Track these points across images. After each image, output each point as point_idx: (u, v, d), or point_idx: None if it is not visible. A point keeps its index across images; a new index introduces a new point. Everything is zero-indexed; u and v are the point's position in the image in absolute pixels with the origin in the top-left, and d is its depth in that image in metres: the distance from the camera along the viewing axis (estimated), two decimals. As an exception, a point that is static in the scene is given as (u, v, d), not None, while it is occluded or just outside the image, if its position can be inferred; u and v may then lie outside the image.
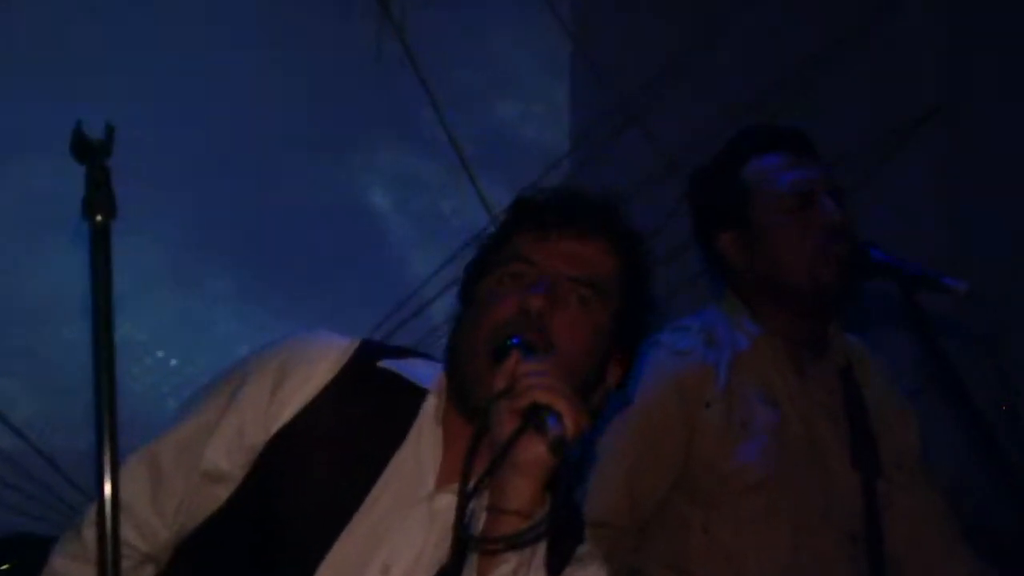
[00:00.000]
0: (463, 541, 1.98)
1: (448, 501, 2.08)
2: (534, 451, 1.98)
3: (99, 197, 1.71)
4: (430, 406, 2.19)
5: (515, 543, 1.97)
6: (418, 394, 2.20)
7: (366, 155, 4.36)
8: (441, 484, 2.14)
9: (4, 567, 3.36)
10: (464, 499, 1.96)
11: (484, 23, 4.45)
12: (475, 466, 1.98)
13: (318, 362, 2.21)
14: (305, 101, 4.23)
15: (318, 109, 4.25)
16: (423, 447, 2.16)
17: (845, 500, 2.94)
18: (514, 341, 2.07)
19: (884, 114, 4.67)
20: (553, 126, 4.47)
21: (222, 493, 2.19)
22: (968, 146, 4.74)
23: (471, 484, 1.97)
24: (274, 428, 2.17)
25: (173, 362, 4.12)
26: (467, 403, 2.12)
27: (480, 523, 2.04)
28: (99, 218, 1.71)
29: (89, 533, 2.14)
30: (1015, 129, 4.60)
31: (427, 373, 2.25)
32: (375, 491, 2.13)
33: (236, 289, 4.18)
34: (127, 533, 2.14)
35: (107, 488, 1.63)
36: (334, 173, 4.32)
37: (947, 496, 3.14)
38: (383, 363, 2.22)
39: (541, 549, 2.03)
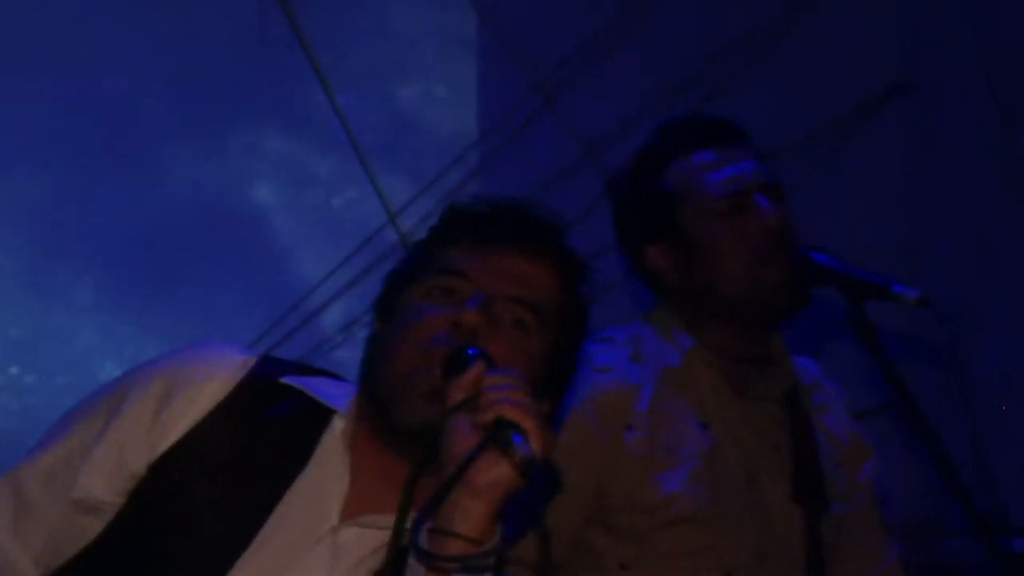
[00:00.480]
0: (401, 555, 1.88)
1: (354, 535, 1.99)
2: (496, 472, 1.86)
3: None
4: (337, 429, 2.05)
5: (470, 565, 1.87)
6: (324, 415, 2.06)
7: (248, 144, 4.22)
8: (347, 517, 2.01)
9: None
10: (404, 513, 1.88)
11: (380, -5, 4.41)
12: (416, 490, 1.89)
13: (209, 379, 2.06)
14: (178, 83, 4.11)
15: (193, 93, 4.12)
16: (327, 475, 2.02)
17: (785, 539, 2.77)
18: (471, 351, 1.96)
19: (830, 100, 4.58)
20: (460, 111, 4.34)
21: (95, 525, 2.03)
22: (925, 135, 4.64)
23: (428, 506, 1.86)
24: (158, 452, 2.01)
25: (29, 379, 3.97)
26: (390, 421, 1.99)
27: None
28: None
29: None
30: (974, 115, 4.49)
31: (336, 393, 2.10)
32: (271, 523, 1.99)
33: (99, 296, 4.03)
34: None
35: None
36: (212, 164, 4.17)
37: (903, 536, 3.04)
38: (286, 379, 2.08)
39: None
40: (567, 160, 4.12)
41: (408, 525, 1.87)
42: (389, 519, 1.92)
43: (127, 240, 3.99)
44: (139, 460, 2.02)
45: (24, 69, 3.89)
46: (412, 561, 1.90)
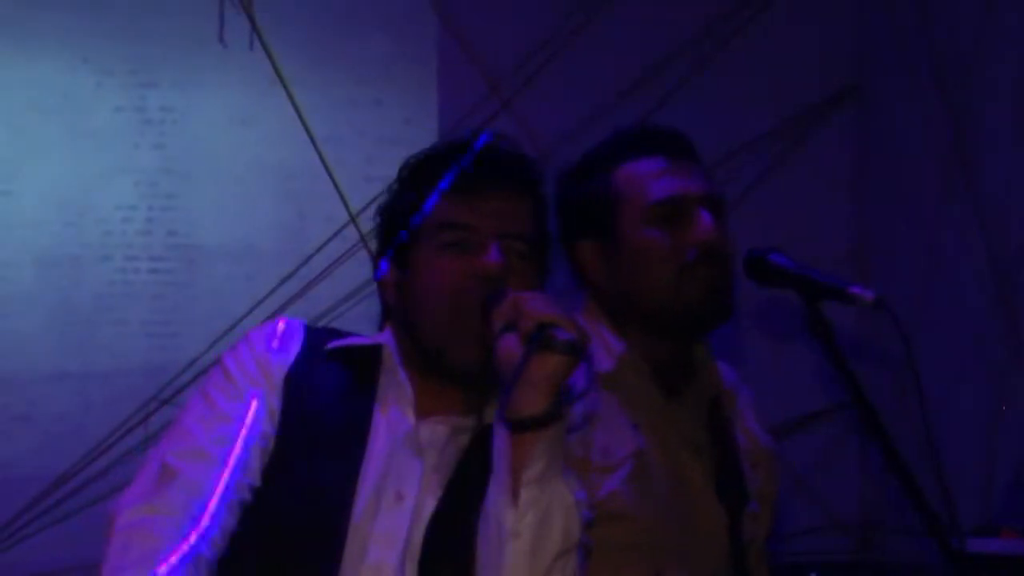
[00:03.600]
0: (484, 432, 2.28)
1: (430, 430, 2.36)
2: (549, 365, 2.18)
3: None
4: (388, 358, 2.41)
5: (549, 416, 2.19)
6: (372, 352, 2.42)
7: (203, 141, 4.26)
8: (420, 418, 2.37)
9: None
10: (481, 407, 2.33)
11: (341, -2, 4.34)
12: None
13: (284, 346, 2.40)
14: (140, 86, 4.15)
15: (155, 95, 4.17)
16: (396, 391, 2.38)
17: (709, 536, 2.78)
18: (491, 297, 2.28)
19: (781, 103, 4.61)
20: (420, 113, 4.32)
21: (262, 461, 2.34)
22: (875, 138, 4.65)
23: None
24: (277, 392, 2.36)
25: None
26: (442, 363, 2.34)
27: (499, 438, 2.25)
28: None
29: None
30: (923, 117, 4.46)
31: (368, 336, 2.47)
32: (371, 438, 2.35)
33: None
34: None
35: None
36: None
37: (857, 535, 2.84)
38: (329, 345, 2.42)
39: (562, 454, 2.24)
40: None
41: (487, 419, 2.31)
42: (452, 416, 2.34)
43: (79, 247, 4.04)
44: (271, 401, 2.34)
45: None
46: (496, 442, 2.23)
